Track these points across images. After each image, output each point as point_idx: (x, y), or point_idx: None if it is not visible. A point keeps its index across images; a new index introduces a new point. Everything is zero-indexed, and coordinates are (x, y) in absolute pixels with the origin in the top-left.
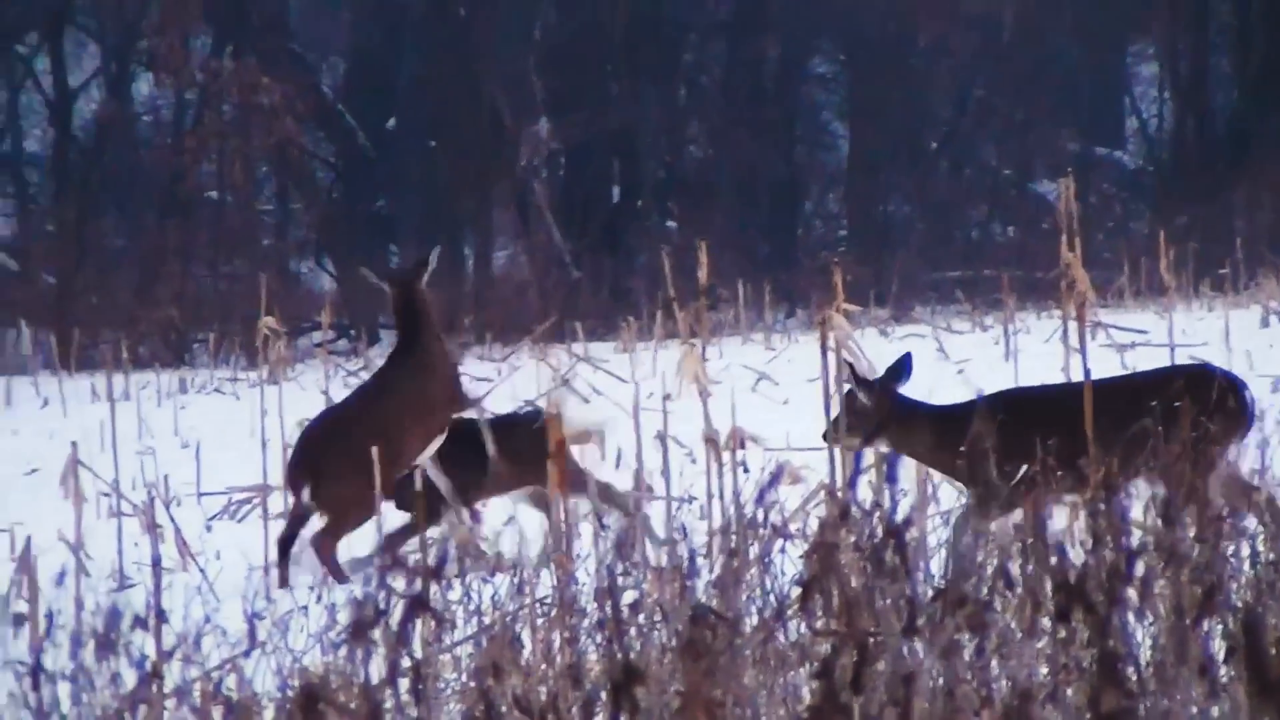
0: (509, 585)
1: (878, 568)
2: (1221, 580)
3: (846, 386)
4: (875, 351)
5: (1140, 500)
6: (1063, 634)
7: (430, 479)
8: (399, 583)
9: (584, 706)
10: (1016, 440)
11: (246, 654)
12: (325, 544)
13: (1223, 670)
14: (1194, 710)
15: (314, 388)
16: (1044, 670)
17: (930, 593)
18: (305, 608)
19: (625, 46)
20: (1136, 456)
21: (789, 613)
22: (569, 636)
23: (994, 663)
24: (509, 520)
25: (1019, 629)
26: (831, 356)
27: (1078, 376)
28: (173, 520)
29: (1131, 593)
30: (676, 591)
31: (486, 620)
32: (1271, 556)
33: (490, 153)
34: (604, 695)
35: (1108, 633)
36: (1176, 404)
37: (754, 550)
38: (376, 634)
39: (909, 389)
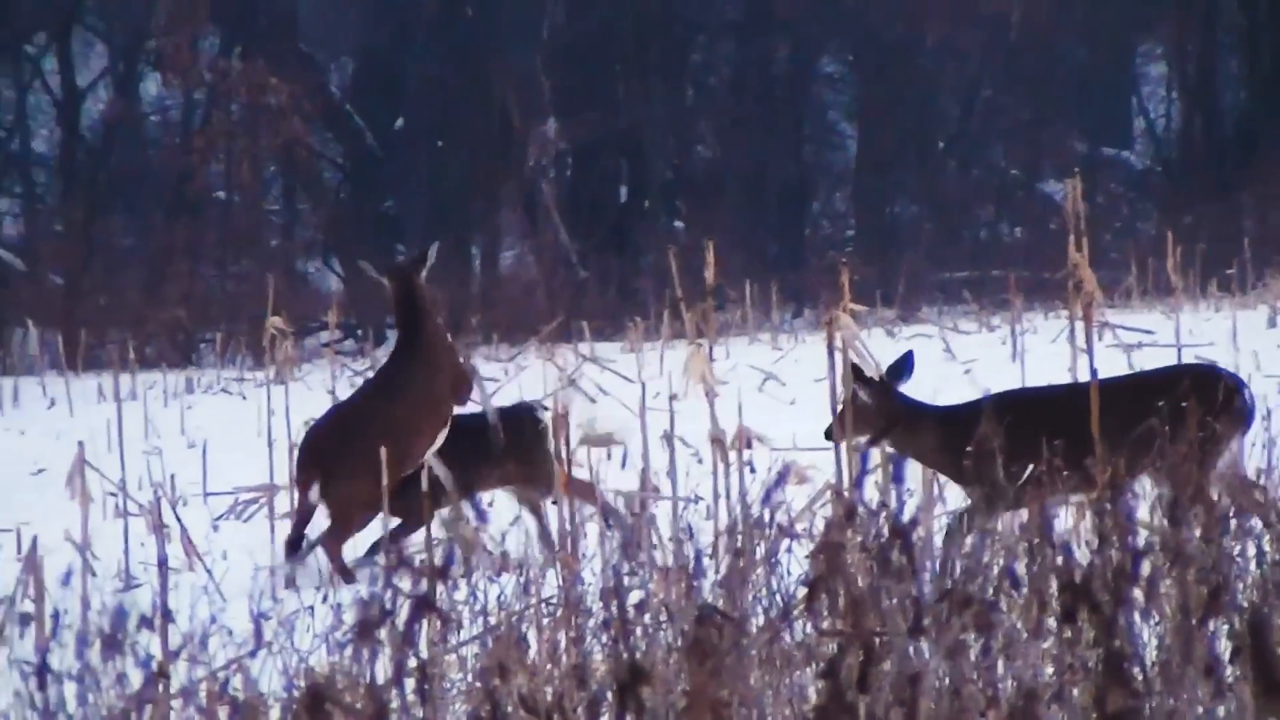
0: (515, 585)
1: (884, 568)
2: (1227, 580)
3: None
4: (882, 351)
5: (1146, 500)
6: (1068, 634)
7: (430, 478)
8: (405, 583)
9: (590, 706)
10: (1016, 441)
11: (252, 654)
12: (333, 544)
13: (1228, 670)
14: (1200, 710)
15: (321, 388)
16: (1049, 670)
17: (936, 592)
18: (311, 608)
19: (633, 46)
20: (1141, 456)
21: (795, 613)
22: (575, 636)
23: (1000, 663)
24: (515, 520)
25: (1025, 629)
26: (839, 356)
27: (1085, 377)
28: (179, 520)
29: (1137, 593)
30: (682, 591)
31: (492, 620)
32: (1277, 557)
33: (498, 153)
34: (610, 695)
35: (1113, 633)
36: (1180, 404)
37: (760, 550)
38: (382, 634)
39: (915, 388)
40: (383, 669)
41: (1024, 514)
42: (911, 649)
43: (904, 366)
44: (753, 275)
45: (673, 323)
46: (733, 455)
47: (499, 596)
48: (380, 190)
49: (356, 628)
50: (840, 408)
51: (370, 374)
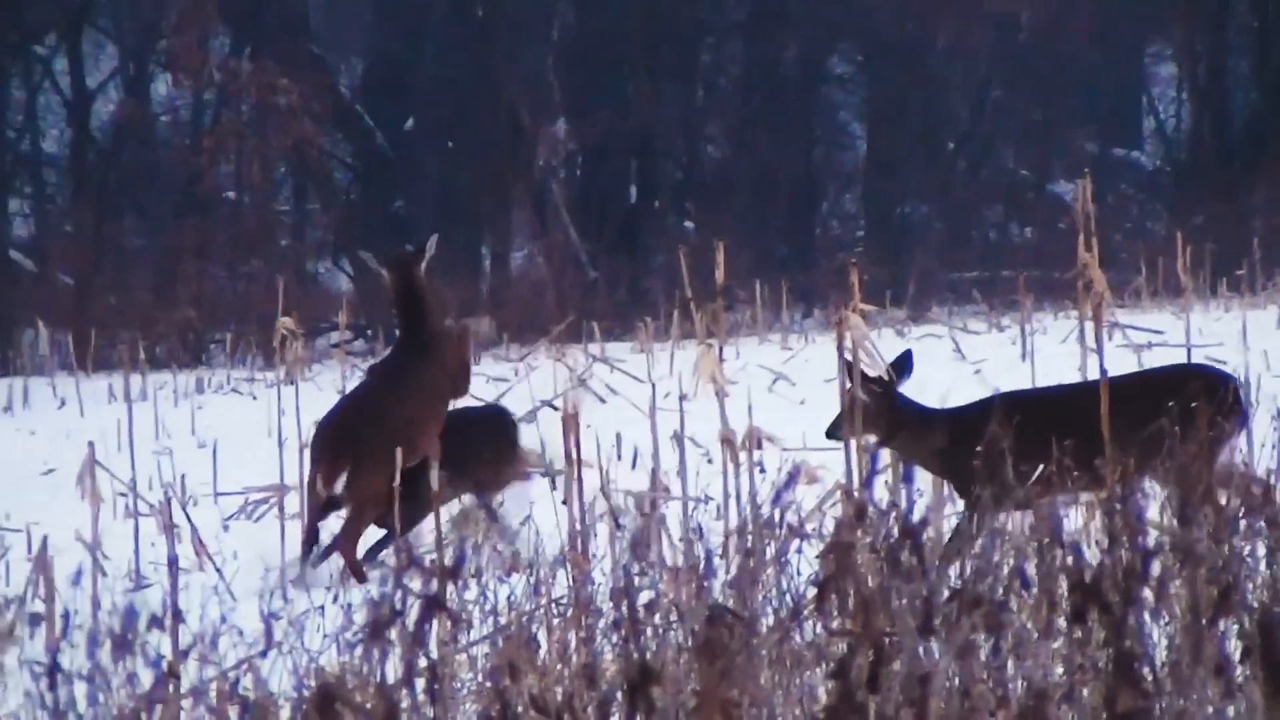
0: (525, 585)
1: (894, 568)
2: (1237, 580)
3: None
4: (892, 352)
5: (1156, 500)
6: (1078, 634)
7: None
8: (415, 583)
9: (600, 706)
10: (1016, 442)
11: (263, 654)
12: (348, 543)
13: (1238, 670)
14: (1209, 710)
15: (331, 388)
16: (1060, 670)
17: (940, 584)
18: (322, 608)
19: (643, 47)
20: (1149, 456)
21: (805, 613)
22: (585, 636)
23: (1010, 663)
24: (525, 519)
25: (1035, 629)
26: (848, 357)
27: (1095, 377)
28: (189, 520)
29: (1147, 593)
30: (693, 591)
31: (503, 620)
32: None
33: (508, 153)
34: (620, 695)
35: (1123, 633)
36: (1170, 403)
37: (770, 550)
38: (393, 634)
39: (926, 388)
40: (393, 669)
41: (1031, 514)
42: (921, 649)
43: (903, 365)
44: (763, 275)
45: (683, 323)
46: (743, 455)
47: (509, 596)
48: (390, 190)
49: (367, 628)
50: (844, 407)
51: None
